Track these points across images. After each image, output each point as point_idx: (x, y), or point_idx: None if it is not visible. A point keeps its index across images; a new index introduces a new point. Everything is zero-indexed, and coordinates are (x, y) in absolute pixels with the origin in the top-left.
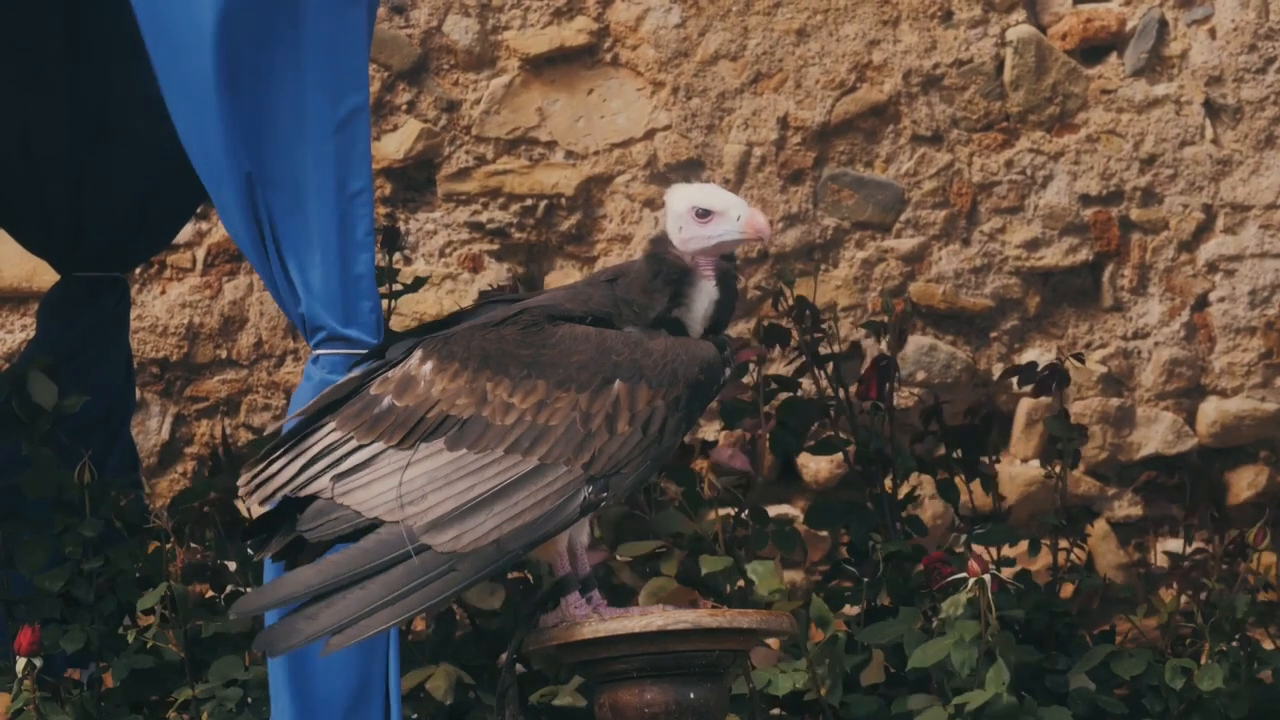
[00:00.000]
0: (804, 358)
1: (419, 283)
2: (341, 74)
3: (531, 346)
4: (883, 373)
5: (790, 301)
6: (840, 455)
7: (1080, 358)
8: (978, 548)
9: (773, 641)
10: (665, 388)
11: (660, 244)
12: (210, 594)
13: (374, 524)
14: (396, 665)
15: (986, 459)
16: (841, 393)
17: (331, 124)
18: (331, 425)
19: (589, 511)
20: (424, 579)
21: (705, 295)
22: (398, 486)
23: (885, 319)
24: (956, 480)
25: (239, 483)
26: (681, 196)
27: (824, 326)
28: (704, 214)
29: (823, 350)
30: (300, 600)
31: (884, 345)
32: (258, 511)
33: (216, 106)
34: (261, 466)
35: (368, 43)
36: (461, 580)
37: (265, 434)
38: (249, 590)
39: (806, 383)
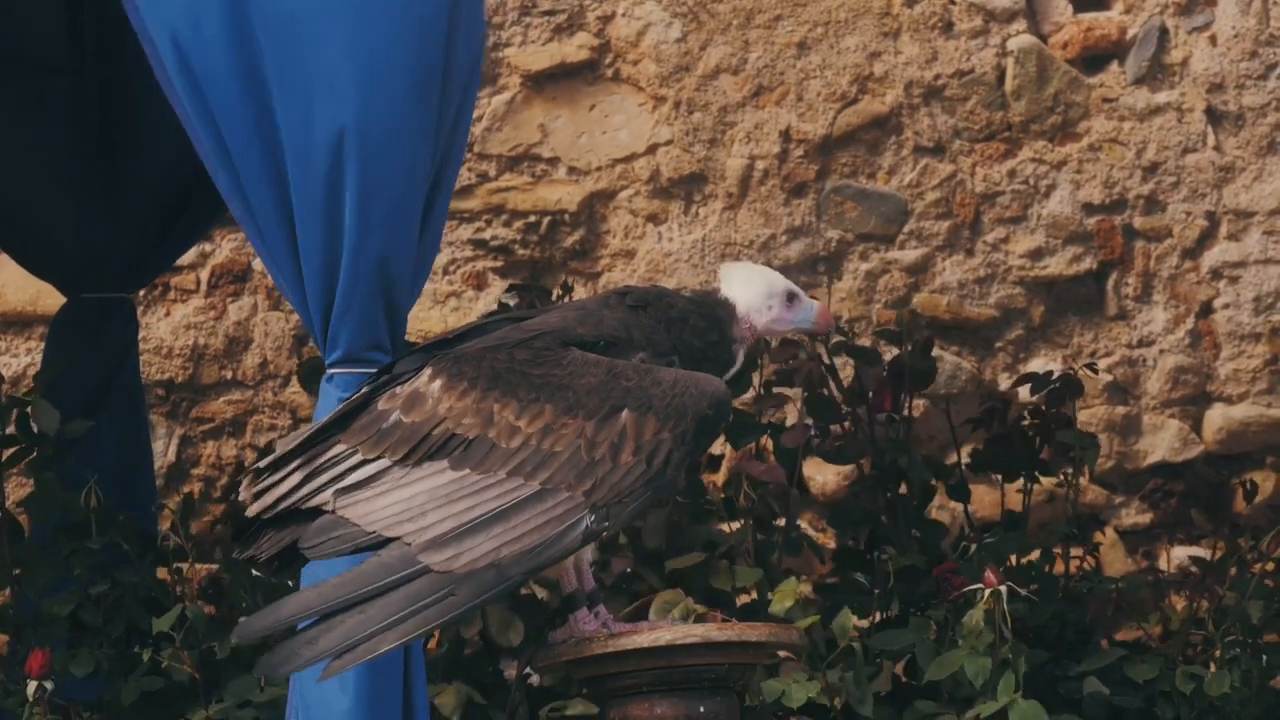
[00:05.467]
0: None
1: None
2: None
3: (541, 368)
4: (897, 383)
5: None
6: (847, 468)
7: (1093, 367)
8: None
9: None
10: (673, 420)
11: (725, 312)
12: (216, 613)
13: (375, 541)
14: (422, 680)
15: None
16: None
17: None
18: (338, 439)
19: (590, 540)
20: (422, 603)
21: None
22: (398, 502)
23: (896, 329)
24: (980, 486)
25: (240, 491)
26: (775, 280)
27: (845, 335)
28: (792, 298)
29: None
30: (302, 623)
31: (904, 355)
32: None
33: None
34: (265, 476)
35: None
36: (459, 605)
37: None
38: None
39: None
